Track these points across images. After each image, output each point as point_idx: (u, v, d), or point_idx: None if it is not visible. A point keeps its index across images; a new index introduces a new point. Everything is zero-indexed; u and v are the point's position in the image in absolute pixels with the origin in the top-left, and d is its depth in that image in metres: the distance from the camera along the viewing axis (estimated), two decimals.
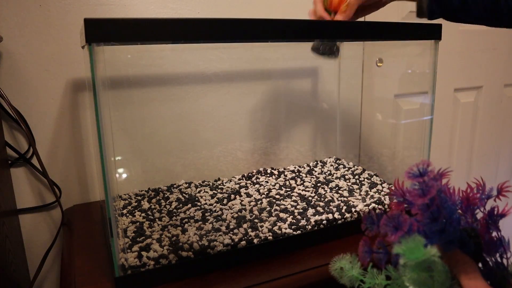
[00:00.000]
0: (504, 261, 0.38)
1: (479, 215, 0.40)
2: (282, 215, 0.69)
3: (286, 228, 0.64)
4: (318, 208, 0.71)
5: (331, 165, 0.96)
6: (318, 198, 0.76)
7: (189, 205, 0.74)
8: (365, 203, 0.72)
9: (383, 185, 0.82)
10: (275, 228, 0.64)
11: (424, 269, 0.34)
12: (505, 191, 0.38)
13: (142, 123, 0.85)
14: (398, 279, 0.38)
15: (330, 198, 0.75)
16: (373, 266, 0.41)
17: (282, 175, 0.90)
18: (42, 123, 0.79)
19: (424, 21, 0.70)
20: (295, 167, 0.95)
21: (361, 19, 0.72)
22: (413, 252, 0.33)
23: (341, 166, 0.95)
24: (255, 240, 0.61)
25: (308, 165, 0.97)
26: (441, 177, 0.35)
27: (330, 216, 0.68)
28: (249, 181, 0.87)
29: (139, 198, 0.78)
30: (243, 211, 0.71)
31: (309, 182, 0.85)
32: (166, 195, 0.79)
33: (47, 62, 0.78)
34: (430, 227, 0.35)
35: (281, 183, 0.84)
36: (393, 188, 0.41)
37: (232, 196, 0.77)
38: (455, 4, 0.63)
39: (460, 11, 0.64)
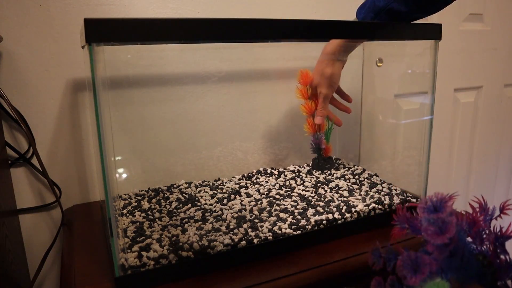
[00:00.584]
0: None
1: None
2: (282, 215, 0.69)
3: (286, 228, 0.64)
4: (318, 208, 0.71)
5: None
6: (318, 198, 0.76)
7: (189, 205, 0.74)
8: (365, 203, 0.72)
9: (383, 185, 0.82)
10: (275, 228, 0.64)
11: None
12: (507, 209, 0.38)
13: (142, 123, 0.85)
14: None
15: (330, 198, 0.75)
16: None
17: (282, 175, 0.90)
18: (42, 123, 0.79)
19: (425, 20, 0.70)
20: (295, 167, 0.95)
21: None
22: None
23: (341, 166, 0.95)
24: (255, 240, 0.61)
25: (308, 165, 0.97)
26: (452, 202, 0.34)
27: (330, 216, 0.68)
28: (249, 181, 0.87)
29: (139, 198, 0.78)
30: (243, 211, 0.71)
31: (309, 182, 0.85)
32: (166, 195, 0.79)
33: (47, 62, 0.78)
34: (448, 263, 0.34)
35: (281, 183, 0.84)
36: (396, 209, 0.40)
37: (232, 196, 0.77)
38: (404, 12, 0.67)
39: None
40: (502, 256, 0.37)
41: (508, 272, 0.37)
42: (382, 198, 0.74)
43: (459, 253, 0.34)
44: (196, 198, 0.77)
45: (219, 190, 0.81)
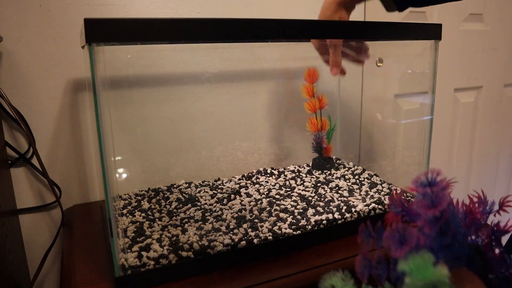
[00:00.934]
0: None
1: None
2: (282, 215, 0.69)
3: (286, 228, 0.64)
4: (318, 208, 0.71)
5: None
6: (318, 198, 0.76)
7: (189, 205, 0.74)
8: (365, 203, 0.72)
9: (383, 185, 0.82)
10: (275, 228, 0.64)
11: None
12: (507, 205, 0.37)
13: (142, 123, 0.85)
14: None
15: (330, 198, 0.75)
16: (368, 283, 0.38)
17: (282, 175, 0.90)
18: (42, 123, 0.79)
19: (424, 20, 0.70)
20: (295, 167, 0.95)
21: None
22: (422, 271, 0.30)
23: (341, 166, 0.95)
24: (255, 240, 0.61)
25: (308, 165, 0.97)
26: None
27: (330, 216, 0.68)
28: (249, 181, 0.87)
29: (139, 198, 0.78)
30: (243, 211, 0.71)
31: (309, 182, 0.85)
32: (166, 195, 0.79)
33: (47, 62, 0.78)
34: (438, 241, 0.33)
35: (281, 183, 0.84)
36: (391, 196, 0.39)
37: (232, 196, 0.77)
38: None
39: None
40: (496, 250, 0.37)
41: (500, 265, 0.36)
42: (382, 198, 0.74)
43: (450, 232, 0.33)
44: (196, 198, 0.77)
45: (219, 190, 0.81)
